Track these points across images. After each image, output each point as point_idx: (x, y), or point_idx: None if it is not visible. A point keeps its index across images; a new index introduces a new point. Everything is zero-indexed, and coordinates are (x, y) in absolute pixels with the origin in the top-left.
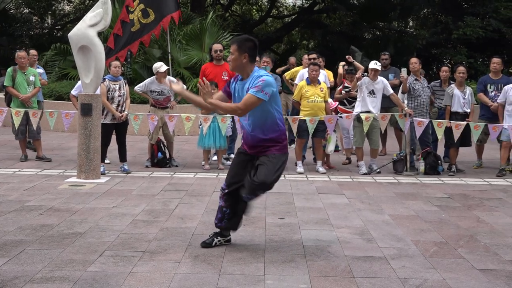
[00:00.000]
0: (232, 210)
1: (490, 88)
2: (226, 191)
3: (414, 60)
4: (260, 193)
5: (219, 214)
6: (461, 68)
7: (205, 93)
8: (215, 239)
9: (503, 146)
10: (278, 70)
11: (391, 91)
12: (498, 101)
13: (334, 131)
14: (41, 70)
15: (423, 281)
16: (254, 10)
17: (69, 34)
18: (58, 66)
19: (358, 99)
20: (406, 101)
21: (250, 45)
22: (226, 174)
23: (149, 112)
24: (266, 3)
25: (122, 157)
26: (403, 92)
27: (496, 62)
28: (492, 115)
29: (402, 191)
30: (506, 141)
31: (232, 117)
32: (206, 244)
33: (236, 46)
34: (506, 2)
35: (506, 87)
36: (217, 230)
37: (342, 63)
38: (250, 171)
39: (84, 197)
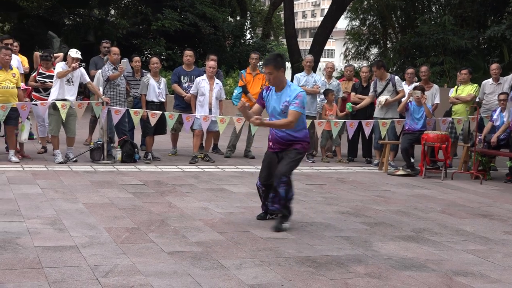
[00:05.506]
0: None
1: (183, 79)
2: (264, 188)
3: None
4: (282, 179)
5: (263, 206)
6: (154, 59)
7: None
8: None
9: (195, 134)
10: None
11: (88, 79)
12: (190, 92)
13: (28, 118)
14: None
15: (113, 267)
16: None
17: None
18: None
19: (54, 87)
20: (102, 88)
21: (281, 60)
22: None
23: None
24: None
25: None
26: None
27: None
28: (185, 105)
29: (98, 179)
30: (198, 130)
31: None
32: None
33: (272, 66)
34: None
35: (197, 79)
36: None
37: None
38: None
39: None
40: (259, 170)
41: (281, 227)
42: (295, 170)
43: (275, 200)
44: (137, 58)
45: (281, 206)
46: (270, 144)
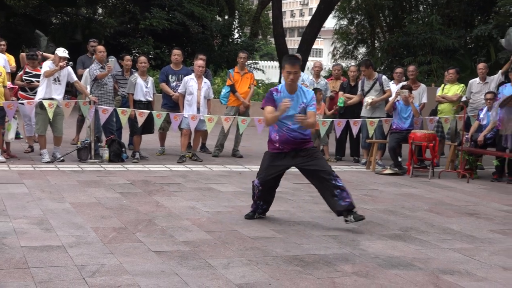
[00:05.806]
0: (265, 202)
1: (171, 78)
2: (261, 188)
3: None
4: (334, 174)
5: (254, 205)
6: (142, 58)
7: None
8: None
9: (183, 133)
10: None
11: (75, 78)
12: (178, 91)
13: (15, 118)
14: None
15: (99, 266)
16: None
17: None
18: None
19: (41, 86)
20: (89, 87)
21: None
22: None
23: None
24: None
25: None
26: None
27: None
28: (173, 104)
29: (86, 178)
30: (186, 129)
31: None
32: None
33: (299, 66)
34: None
35: (186, 78)
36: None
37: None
38: (286, 167)
39: None
40: (246, 170)
41: (358, 214)
42: None
43: (343, 194)
44: (128, 57)
45: (351, 199)
46: (277, 145)
